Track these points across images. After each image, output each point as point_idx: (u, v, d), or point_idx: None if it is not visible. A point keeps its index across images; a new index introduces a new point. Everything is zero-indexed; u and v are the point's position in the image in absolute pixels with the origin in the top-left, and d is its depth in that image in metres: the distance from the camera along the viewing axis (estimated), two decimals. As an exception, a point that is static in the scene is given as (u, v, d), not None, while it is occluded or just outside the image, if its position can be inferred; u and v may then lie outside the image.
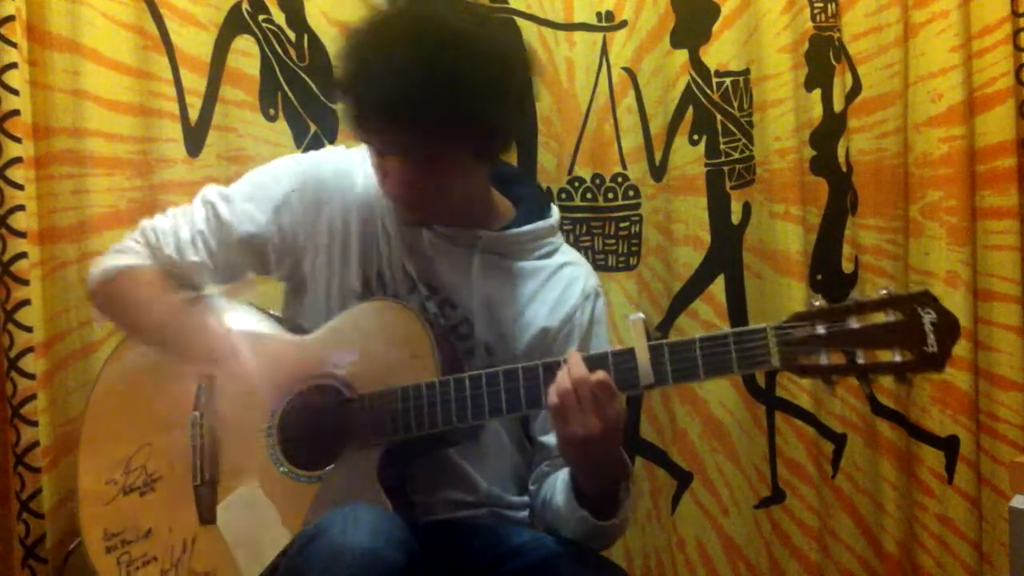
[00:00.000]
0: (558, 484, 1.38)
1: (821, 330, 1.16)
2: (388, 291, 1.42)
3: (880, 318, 1.15)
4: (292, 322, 1.46)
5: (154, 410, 1.41)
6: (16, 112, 1.60)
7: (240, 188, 1.46)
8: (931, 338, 1.13)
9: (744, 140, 1.96)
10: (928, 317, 1.13)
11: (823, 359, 1.16)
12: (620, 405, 1.21)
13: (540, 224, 1.47)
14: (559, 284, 1.46)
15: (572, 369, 1.21)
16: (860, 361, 1.15)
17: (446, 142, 1.30)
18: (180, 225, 1.44)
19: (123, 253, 1.45)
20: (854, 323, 1.15)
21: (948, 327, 1.13)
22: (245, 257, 1.45)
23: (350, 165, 1.46)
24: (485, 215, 1.46)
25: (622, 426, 1.24)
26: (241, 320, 1.44)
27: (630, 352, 1.22)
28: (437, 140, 1.29)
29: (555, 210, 1.52)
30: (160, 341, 1.42)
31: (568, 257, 1.51)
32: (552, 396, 1.21)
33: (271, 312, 1.48)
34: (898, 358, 1.14)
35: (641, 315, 1.23)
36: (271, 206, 1.43)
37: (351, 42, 1.31)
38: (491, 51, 1.28)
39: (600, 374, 1.20)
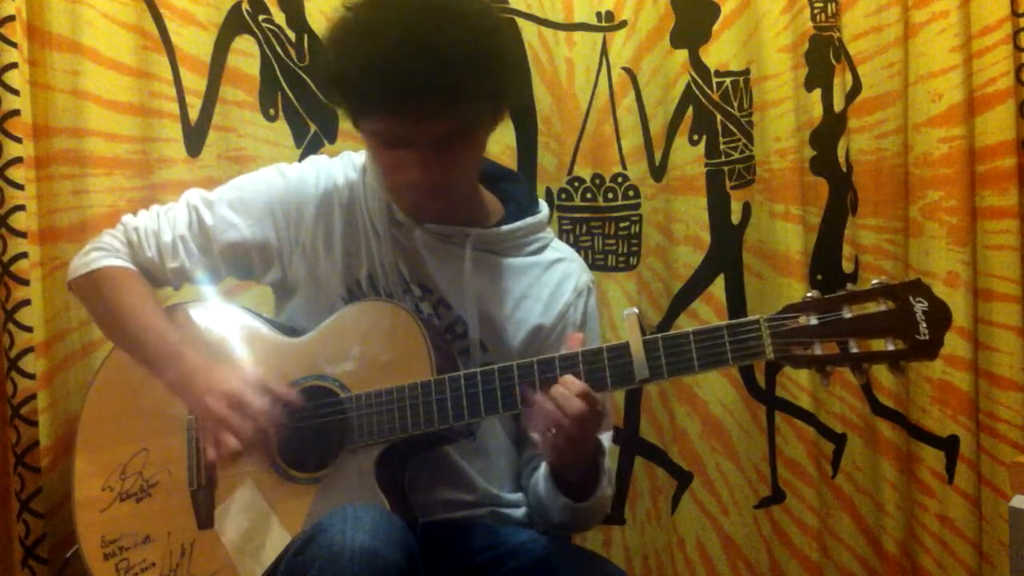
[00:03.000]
0: (540, 473, 1.41)
1: (814, 321, 1.17)
2: (381, 293, 1.41)
3: (872, 307, 1.16)
4: (284, 325, 1.46)
5: (149, 415, 1.40)
6: (16, 112, 1.59)
7: (224, 195, 1.46)
8: (923, 326, 1.14)
9: (744, 140, 1.96)
10: (920, 306, 1.14)
11: (817, 350, 1.17)
12: (602, 409, 1.23)
13: (530, 220, 1.47)
14: (551, 281, 1.47)
15: (567, 406, 1.21)
16: (853, 350, 1.16)
17: (482, 116, 1.30)
18: (163, 228, 1.45)
19: (104, 251, 1.45)
20: (847, 313, 1.16)
21: (940, 315, 1.14)
22: (226, 263, 1.46)
23: (332, 173, 1.45)
24: (475, 213, 1.46)
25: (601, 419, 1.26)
26: (234, 323, 1.44)
27: (625, 347, 1.22)
28: (476, 116, 1.28)
29: (544, 205, 1.52)
30: (141, 359, 1.40)
31: (560, 252, 1.51)
32: (538, 427, 1.23)
33: (263, 315, 1.47)
34: (891, 347, 1.15)
35: (635, 310, 1.23)
36: (254, 216, 1.43)
37: (349, 40, 1.25)
38: (483, 10, 1.27)
39: (582, 405, 1.20)
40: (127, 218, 1.49)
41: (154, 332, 1.38)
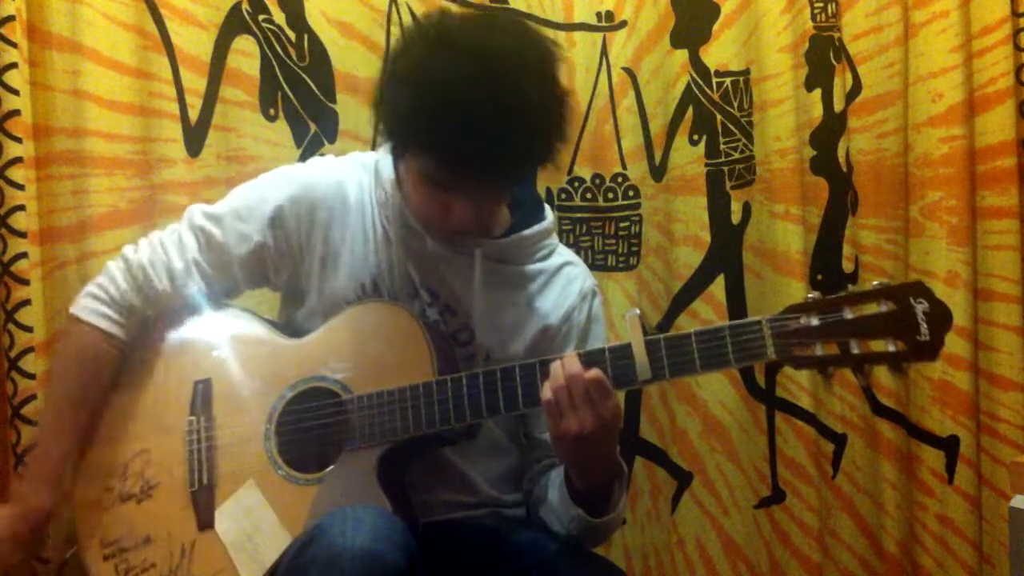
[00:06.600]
0: (551, 480, 1.39)
1: (815, 321, 1.17)
2: (386, 296, 1.41)
3: (873, 308, 1.16)
4: (285, 326, 1.46)
5: (150, 416, 1.40)
6: (16, 112, 1.60)
7: (230, 206, 1.44)
8: (924, 327, 1.14)
9: (744, 140, 1.96)
10: (921, 307, 1.14)
11: (818, 350, 1.17)
12: (615, 403, 1.21)
13: (538, 228, 1.46)
14: (558, 284, 1.47)
15: (567, 365, 1.21)
16: (855, 351, 1.16)
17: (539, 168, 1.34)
18: (172, 256, 1.42)
19: (98, 301, 1.42)
20: (848, 314, 1.16)
21: (940, 316, 1.14)
22: (245, 275, 1.44)
23: (340, 174, 1.44)
24: None
25: (618, 425, 1.25)
26: (235, 325, 1.44)
27: (627, 347, 1.22)
28: (536, 170, 1.33)
29: (549, 210, 1.52)
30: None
31: (566, 257, 1.51)
32: (546, 391, 1.21)
33: (264, 317, 1.47)
34: (892, 347, 1.15)
35: (637, 311, 1.23)
36: (264, 222, 1.41)
37: (424, 91, 1.19)
38: (548, 64, 1.25)
39: (595, 371, 1.20)
40: (129, 252, 1.44)
41: (44, 440, 1.41)
